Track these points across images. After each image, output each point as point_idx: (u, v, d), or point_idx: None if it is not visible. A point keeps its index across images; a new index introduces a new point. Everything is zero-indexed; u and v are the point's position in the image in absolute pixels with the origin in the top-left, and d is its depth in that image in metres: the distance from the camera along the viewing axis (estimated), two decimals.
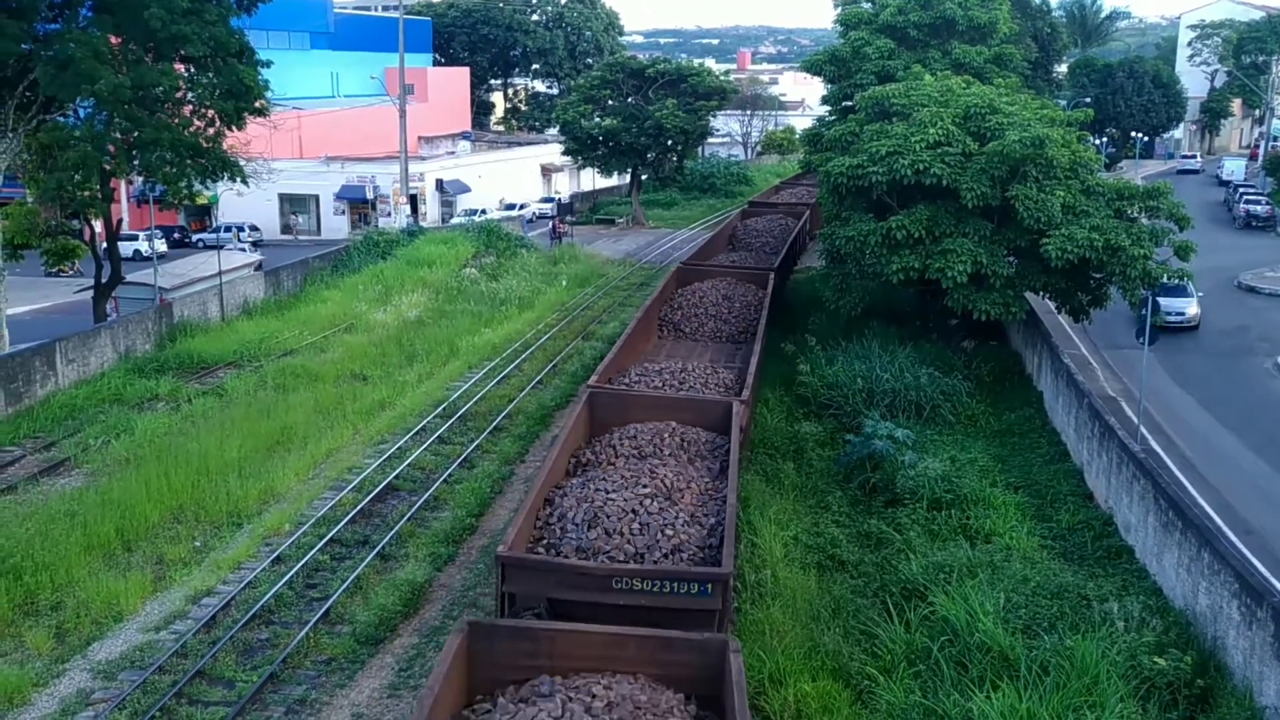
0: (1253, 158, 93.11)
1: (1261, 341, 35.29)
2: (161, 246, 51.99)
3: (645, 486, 16.90)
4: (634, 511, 16.19)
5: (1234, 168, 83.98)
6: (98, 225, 39.13)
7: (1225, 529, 20.74)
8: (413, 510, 22.97)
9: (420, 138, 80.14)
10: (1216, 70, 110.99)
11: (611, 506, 16.27)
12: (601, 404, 20.94)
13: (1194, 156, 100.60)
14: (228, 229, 62.56)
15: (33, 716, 15.97)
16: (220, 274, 40.91)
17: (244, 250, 53.78)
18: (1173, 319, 35.04)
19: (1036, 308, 32.75)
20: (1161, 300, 31.32)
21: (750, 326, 29.12)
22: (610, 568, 14.53)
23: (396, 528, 22.02)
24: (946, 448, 24.84)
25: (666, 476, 17.42)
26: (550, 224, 64.17)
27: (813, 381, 28.62)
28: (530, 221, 68.56)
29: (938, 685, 14.95)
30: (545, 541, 15.85)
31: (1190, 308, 36.25)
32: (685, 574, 14.36)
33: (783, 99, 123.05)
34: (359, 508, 22.96)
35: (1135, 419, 25.82)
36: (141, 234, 56.66)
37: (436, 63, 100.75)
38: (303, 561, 20.41)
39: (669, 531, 15.74)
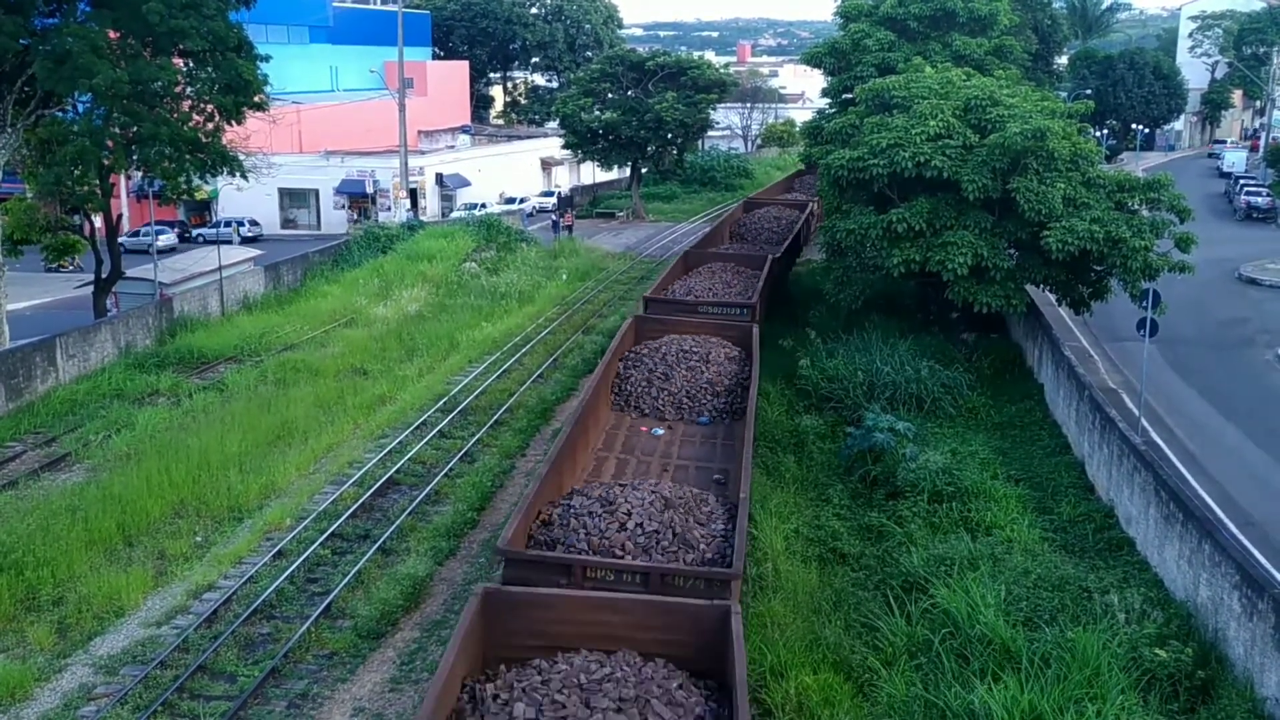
0: (1253, 149, 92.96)
1: (1262, 333, 35.28)
2: (167, 240, 51.98)
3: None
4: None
5: (1235, 159, 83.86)
6: (97, 220, 39.12)
7: (1226, 521, 20.75)
8: (414, 504, 22.97)
9: (420, 132, 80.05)
10: (1217, 61, 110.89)
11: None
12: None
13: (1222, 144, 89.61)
14: (227, 224, 62.52)
15: (35, 711, 15.99)
16: (220, 269, 40.89)
17: (231, 243, 53.77)
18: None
19: (1037, 300, 32.73)
20: None
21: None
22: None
23: (398, 522, 22.02)
24: (947, 440, 24.83)
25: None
26: (551, 217, 64.09)
27: (813, 375, 28.61)
28: (530, 215, 68.50)
29: (939, 677, 14.96)
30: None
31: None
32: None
33: (783, 92, 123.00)
34: (360, 502, 22.97)
35: (1136, 411, 25.81)
36: (170, 226, 59.57)
37: (436, 56, 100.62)
38: (304, 556, 20.42)
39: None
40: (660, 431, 22.24)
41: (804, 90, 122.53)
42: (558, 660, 12.50)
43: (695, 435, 22.14)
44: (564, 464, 18.15)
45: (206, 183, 39.05)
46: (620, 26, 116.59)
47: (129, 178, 49.89)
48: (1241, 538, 19.81)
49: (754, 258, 37.84)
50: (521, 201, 72.34)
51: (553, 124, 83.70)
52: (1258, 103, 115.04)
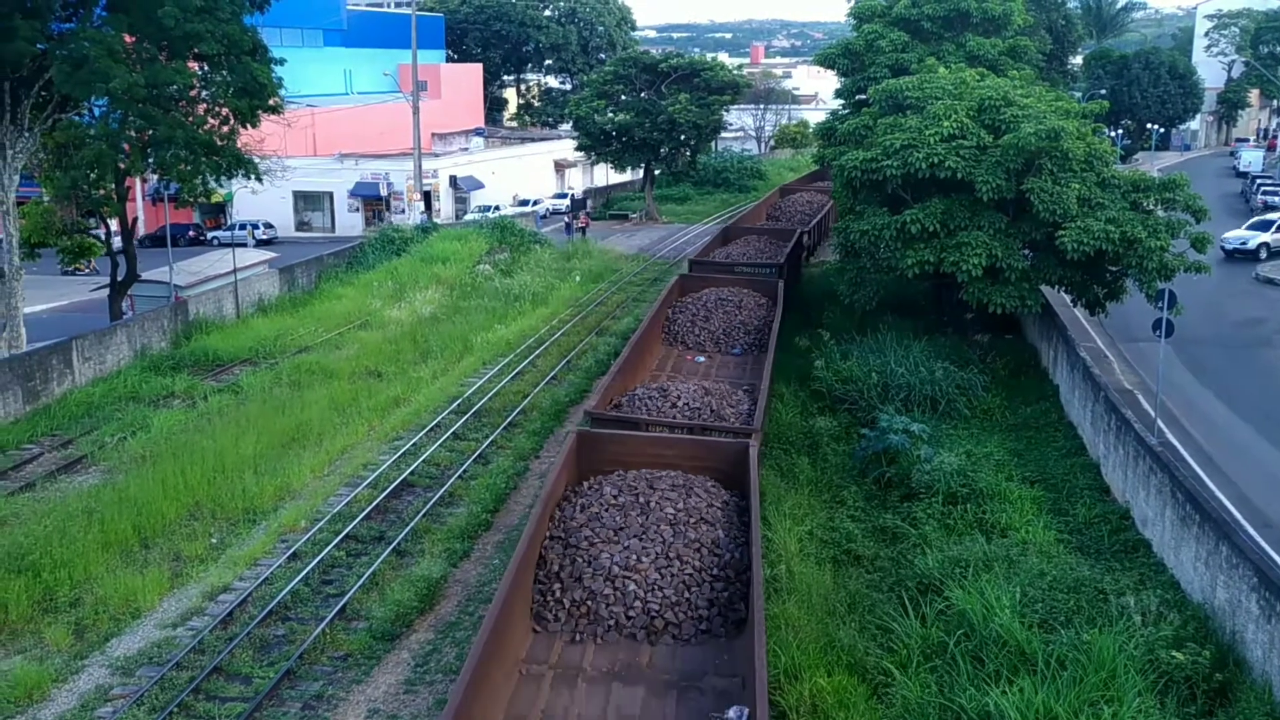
0: (1270, 148, 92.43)
1: (1279, 334, 35.06)
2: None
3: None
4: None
5: (1251, 158, 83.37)
6: (113, 223, 39.31)
7: (1244, 522, 20.62)
8: (428, 506, 23.02)
9: (434, 134, 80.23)
10: (1234, 61, 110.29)
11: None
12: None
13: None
14: (242, 226, 62.79)
15: (52, 712, 16.08)
16: (235, 271, 41.05)
17: (246, 246, 53.96)
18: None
19: (1052, 301, 32.59)
20: None
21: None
22: None
23: (412, 524, 22.07)
24: (962, 441, 24.75)
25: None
26: (565, 219, 64.11)
27: (827, 376, 28.57)
28: (544, 217, 68.58)
29: (954, 680, 14.91)
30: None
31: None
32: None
33: (796, 93, 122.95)
34: (374, 504, 23.03)
35: (1152, 412, 25.68)
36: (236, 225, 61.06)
37: (449, 59, 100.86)
38: (319, 558, 20.48)
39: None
40: (701, 359, 27.99)
41: (817, 91, 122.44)
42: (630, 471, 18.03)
43: (729, 363, 27.70)
44: (627, 370, 24.00)
45: (221, 186, 39.20)
46: (633, 28, 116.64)
47: (145, 181, 50.13)
48: (1259, 539, 19.68)
49: (784, 231, 44.18)
50: (535, 203, 72.44)
51: (566, 126, 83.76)
52: (1275, 102, 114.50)
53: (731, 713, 12.53)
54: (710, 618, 14.80)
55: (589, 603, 14.74)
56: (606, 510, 16.38)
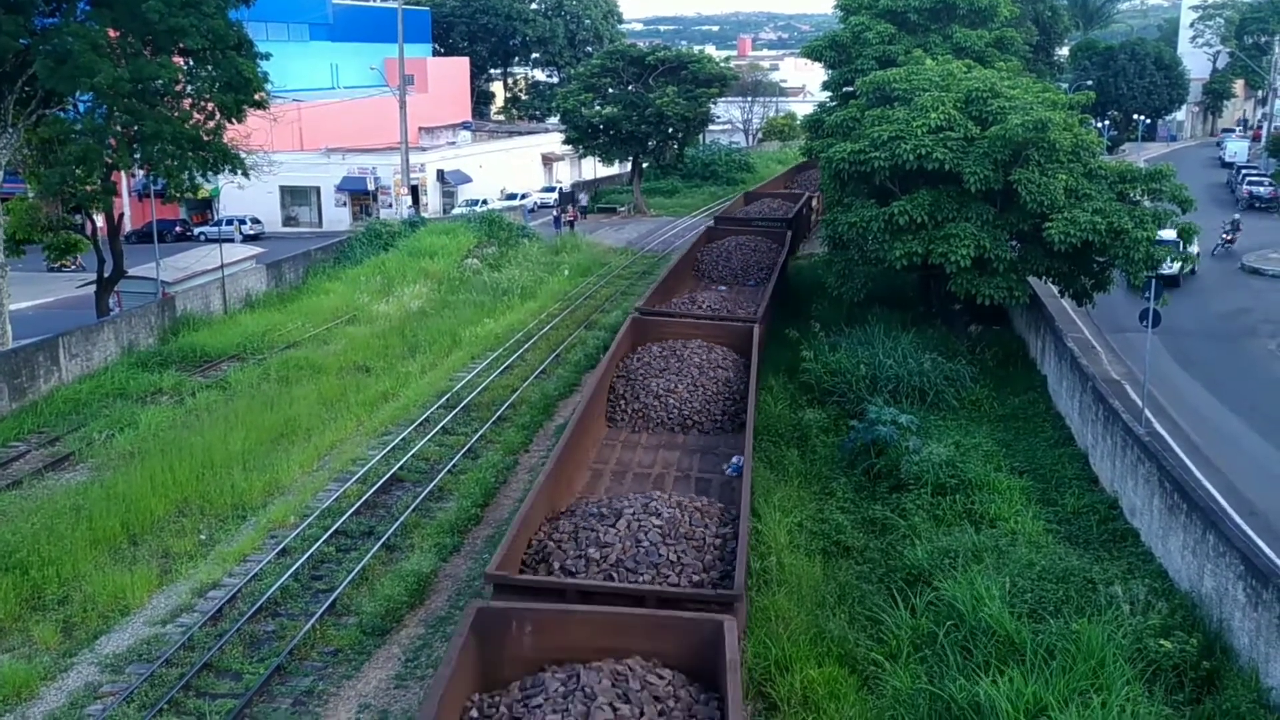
0: (1255, 139, 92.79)
1: (1265, 323, 35.23)
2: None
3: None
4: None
5: (1237, 149, 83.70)
6: (99, 219, 39.13)
7: (1231, 511, 20.74)
8: (417, 501, 23.00)
9: (420, 128, 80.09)
10: (1219, 51, 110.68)
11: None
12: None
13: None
14: (229, 222, 62.55)
15: (41, 710, 16.03)
16: (222, 267, 40.91)
17: (233, 241, 53.87)
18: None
19: (1039, 292, 32.69)
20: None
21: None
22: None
23: (401, 519, 22.05)
24: (950, 433, 24.81)
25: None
26: (556, 213, 63.99)
27: (816, 368, 28.60)
28: (531, 211, 68.50)
29: (944, 670, 14.96)
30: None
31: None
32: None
33: (783, 85, 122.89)
34: (364, 499, 22.99)
35: (1139, 402, 25.79)
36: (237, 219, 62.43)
37: (436, 53, 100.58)
38: (308, 553, 20.44)
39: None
40: (723, 288, 35.34)
41: (805, 83, 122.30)
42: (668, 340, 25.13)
43: (746, 291, 34.73)
44: (663, 290, 32.43)
45: (208, 181, 39.05)
46: (620, 21, 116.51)
47: (131, 176, 49.92)
48: (1246, 528, 19.81)
49: (795, 194, 54.62)
50: (523, 197, 72.30)
51: (553, 119, 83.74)
52: (1260, 92, 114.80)
53: (734, 459, 20.00)
54: (721, 420, 22.47)
55: (643, 411, 22.64)
56: (654, 360, 24.34)
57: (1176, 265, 35.70)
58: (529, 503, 15.69)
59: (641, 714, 11.23)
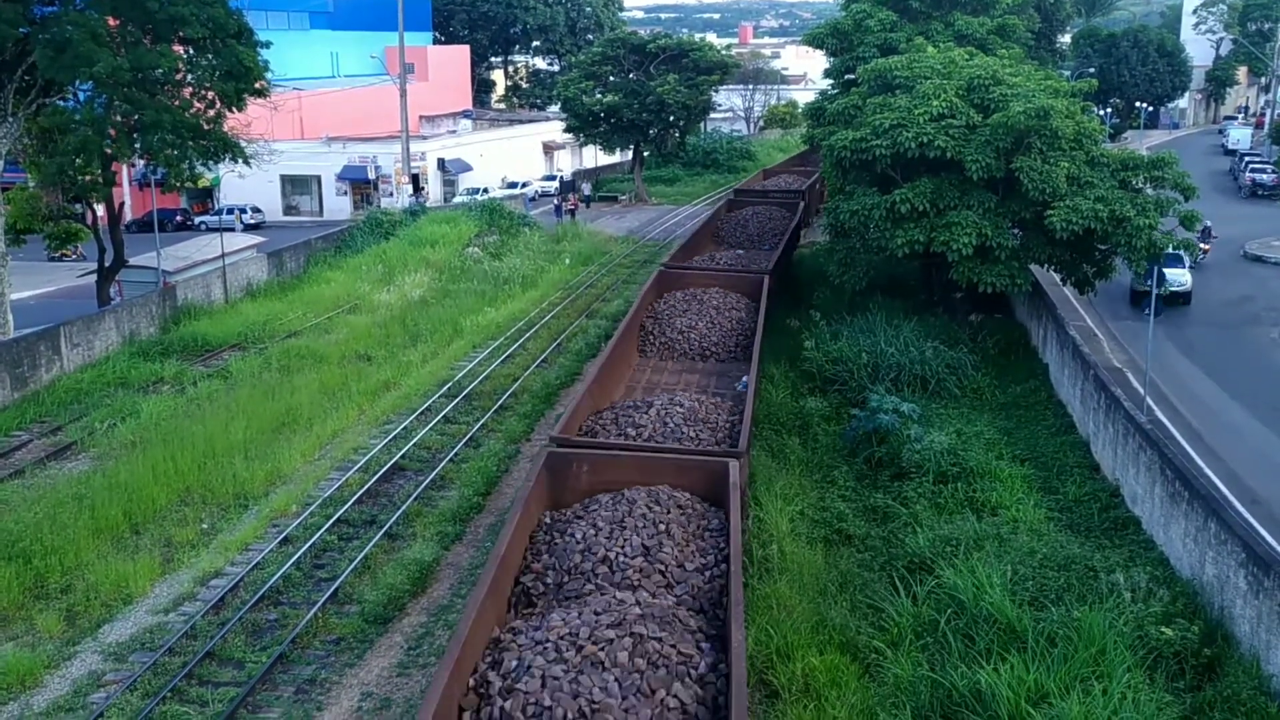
0: (1258, 126, 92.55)
1: (1268, 311, 35.18)
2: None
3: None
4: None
5: (1239, 136, 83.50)
6: (100, 209, 39.08)
7: (1232, 499, 20.73)
8: (419, 490, 23.02)
9: (421, 117, 79.88)
10: (1222, 38, 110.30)
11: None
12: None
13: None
14: (230, 211, 62.48)
15: (45, 699, 16.07)
16: (223, 256, 40.87)
17: (234, 230, 53.78)
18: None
19: (1041, 280, 32.65)
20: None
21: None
22: None
23: (403, 507, 22.07)
24: (952, 421, 24.81)
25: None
26: (556, 201, 63.88)
27: (817, 357, 28.58)
28: (532, 200, 68.42)
29: (945, 658, 14.99)
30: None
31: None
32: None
33: (785, 73, 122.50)
34: (365, 488, 23.01)
35: (1141, 390, 25.77)
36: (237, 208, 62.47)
37: (436, 41, 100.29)
38: (310, 542, 20.47)
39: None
40: (740, 251, 38.62)
41: (806, 71, 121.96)
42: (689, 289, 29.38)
43: (761, 253, 37.86)
44: (687, 251, 37.17)
45: (209, 170, 39.00)
46: (621, 9, 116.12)
47: (131, 166, 49.83)
48: (1247, 515, 19.80)
49: (808, 171, 57.42)
50: (524, 186, 72.22)
51: (554, 108, 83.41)
52: (1262, 79, 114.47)
53: (743, 378, 23.23)
54: (735, 350, 26.36)
55: (669, 344, 26.74)
56: (678, 304, 28.60)
57: (1188, 280, 35.15)
58: (577, 399, 19.95)
59: (668, 513, 15.52)
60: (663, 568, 14.41)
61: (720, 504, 16.09)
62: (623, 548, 14.69)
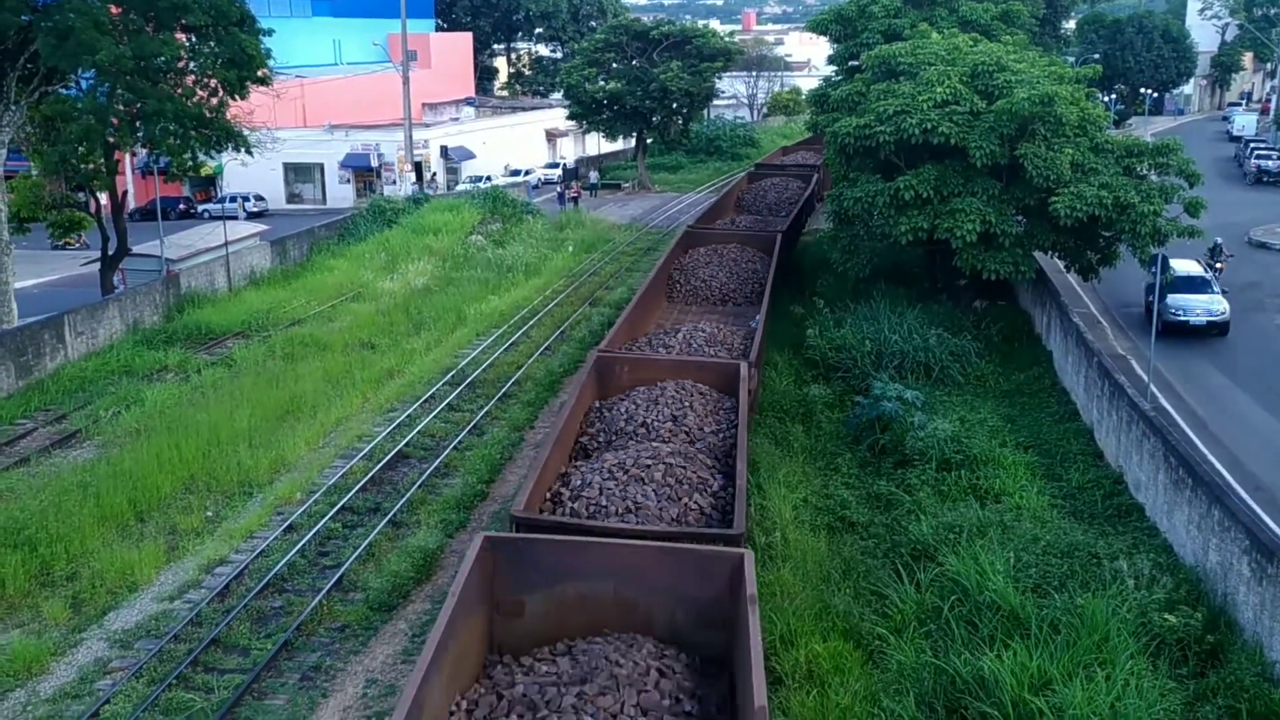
0: (1264, 112, 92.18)
1: (1272, 298, 35.09)
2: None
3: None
4: None
5: (1245, 123, 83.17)
6: (103, 197, 39.08)
7: (1236, 486, 20.71)
8: (423, 477, 23.05)
9: (424, 104, 79.69)
10: (1228, 24, 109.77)
11: None
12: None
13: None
14: (233, 199, 62.44)
15: (51, 685, 16.14)
16: (226, 244, 40.87)
17: (237, 219, 53.77)
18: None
19: (1045, 267, 32.58)
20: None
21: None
22: None
23: (408, 495, 22.11)
24: (956, 408, 24.81)
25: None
26: (560, 189, 63.76)
27: (821, 344, 28.58)
28: (535, 188, 68.31)
29: (948, 644, 15.01)
30: None
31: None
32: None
33: (788, 60, 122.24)
34: (370, 475, 23.05)
35: (1145, 377, 25.74)
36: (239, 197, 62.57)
37: (439, 28, 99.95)
38: (315, 530, 20.52)
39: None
40: (757, 217, 43.45)
41: (810, 58, 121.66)
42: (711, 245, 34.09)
43: (778, 220, 41.55)
44: (709, 216, 42.21)
45: (211, 158, 38.97)
46: None
47: (134, 154, 49.82)
48: (1251, 502, 19.78)
49: (822, 149, 58.03)
50: (527, 173, 72.08)
51: (557, 95, 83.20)
52: (1268, 65, 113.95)
53: (755, 318, 25.98)
54: (750, 296, 30.13)
55: (693, 291, 30.89)
56: (701, 258, 32.79)
57: (1225, 308, 30.53)
58: (617, 327, 24.39)
59: (691, 397, 19.64)
60: (687, 429, 18.47)
61: (733, 394, 19.98)
62: (656, 416, 18.75)
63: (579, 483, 15.73)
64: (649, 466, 15.86)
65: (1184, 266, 31.95)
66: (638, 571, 12.80)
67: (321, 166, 69.92)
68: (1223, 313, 30.60)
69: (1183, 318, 30.51)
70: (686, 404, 19.26)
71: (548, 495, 15.76)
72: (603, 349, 22.13)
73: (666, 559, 12.88)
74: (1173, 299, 30.31)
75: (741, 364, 20.52)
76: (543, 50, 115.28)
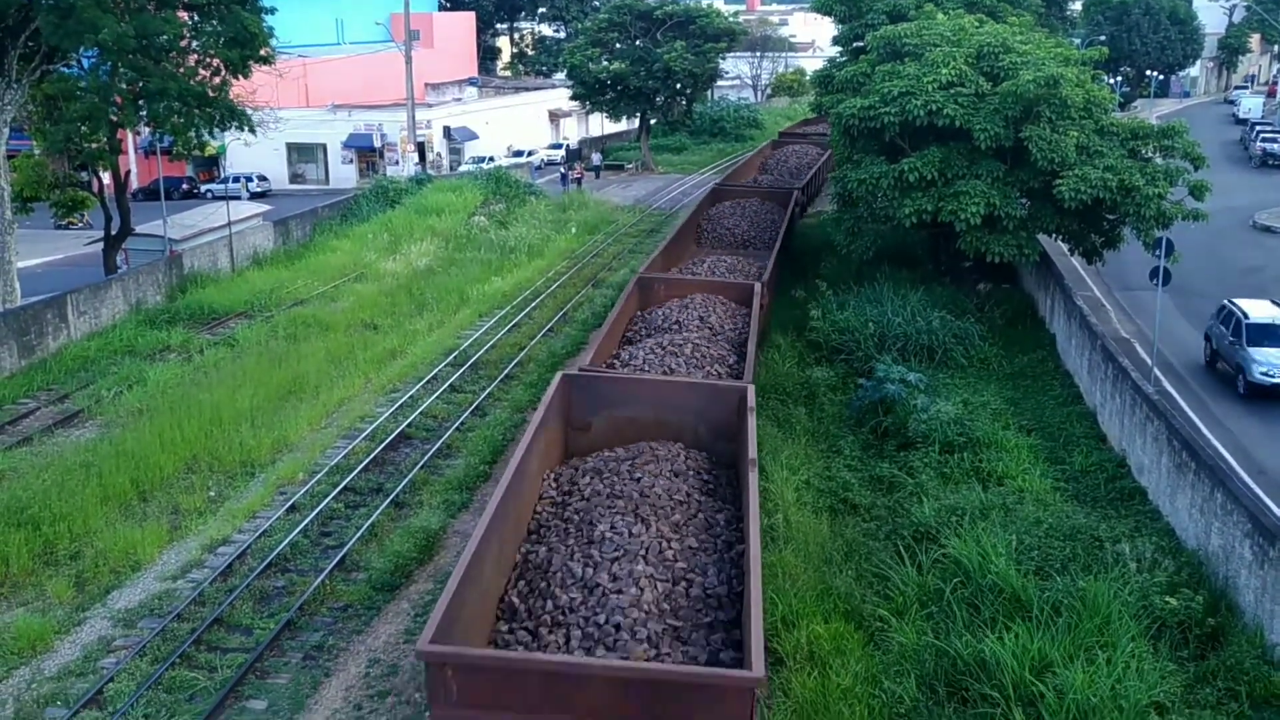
0: (1270, 94, 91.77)
1: (1277, 282, 34.98)
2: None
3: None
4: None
5: (1251, 105, 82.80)
6: (106, 177, 39.01)
7: (1239, 469, 20.71)
8: (426, 458, 23.08)
9: (427, 84, 79.37)
10: (1235, 5, 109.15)
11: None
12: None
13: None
14: (236, 179, 62.33)
15: (56, 663, 16.21)
16: (230, 224, 40.82)
17: (240, 199, 53.66)
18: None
19: (1049, 250, 32.49)
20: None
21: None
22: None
23: (410, 475, 22.13)
24: (959, 391, 24.79)
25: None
26: (563, 170, 63.56)
27: (824, 326, 28.53)
28: (539, 169, 68.14)
29: (950, 626, 15.04)
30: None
31: None
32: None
33: (793, 40, 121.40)
34: (372, 456, 23.08)
35: (1149, 360, 25.69)
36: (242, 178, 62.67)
37: (442, 7, 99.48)
38: (317, 510, 20.56)
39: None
40: (778, 178, 48.31)
41: (814, 39, 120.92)
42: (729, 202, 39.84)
43: (790, 188, 43.15)
44: (736, 174, 49.04)
45: (215, 138, 38.86)
46: None
47: (137, 134, 49.70)
48: (1254, 486, 19.78)
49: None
50: (530, 154, 71.89)
51: (560, 75, 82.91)
52: (1276, 47, 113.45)
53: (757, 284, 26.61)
54: (769, 241, 34.09)
55: (719, 236, 36.53)
56: (726, 210, 38.27)
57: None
58: (653, 257, 29.30)
59: (715, 307, 24.20)
60: (711, 326, 23.16)
61: (748, 306, 24.42)
62: (687, 317, 23.47)
63: (626, 356, 20.81)
64: (680, 345, 20.94)
65: (1260, 310, 25.61)
66: (671, 401, 17.47)
67: (324, 147, 69.74)
68: (1275, 379, 24.14)
69: (1276, 379, 24.06)
70: (711, 310, 24.07)
71: (604, 365, 20.18)
72: (642, 273, 26.55)
73: (692, 392, 17.71)
74: (1259, 355, 24.27)
75: (755, 284, 25.47)
76: (546, 30, 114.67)
